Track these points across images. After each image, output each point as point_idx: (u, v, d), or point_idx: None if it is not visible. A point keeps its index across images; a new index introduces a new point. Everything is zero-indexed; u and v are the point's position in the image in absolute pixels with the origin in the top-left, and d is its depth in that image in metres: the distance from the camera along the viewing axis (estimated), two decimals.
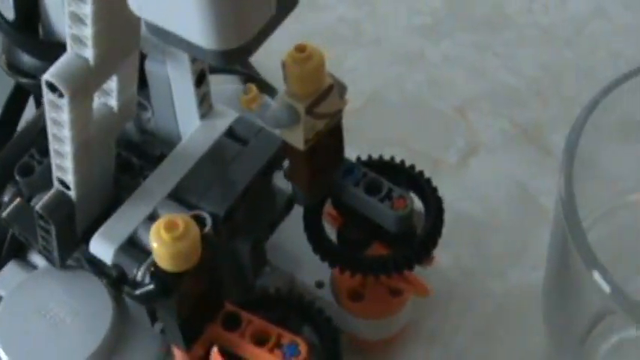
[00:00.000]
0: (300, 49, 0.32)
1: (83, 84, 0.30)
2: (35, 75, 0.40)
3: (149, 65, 0.37)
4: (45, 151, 0.37)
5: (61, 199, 0.36)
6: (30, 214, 0.37)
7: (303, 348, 0.34)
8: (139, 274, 0.34)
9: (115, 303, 0.38)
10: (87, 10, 0.28)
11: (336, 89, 0.34)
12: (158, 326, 0.37)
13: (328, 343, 0.36)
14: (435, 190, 0.38)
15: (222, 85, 0.47)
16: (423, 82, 0.52)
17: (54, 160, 0.35)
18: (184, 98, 0.37)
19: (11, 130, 0.43)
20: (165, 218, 0.30)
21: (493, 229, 0.46)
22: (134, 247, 0.35)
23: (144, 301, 0.33)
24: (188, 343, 0.34)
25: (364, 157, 0.39)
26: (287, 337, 0.34)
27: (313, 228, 0.38)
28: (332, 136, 0.36)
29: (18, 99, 0.43)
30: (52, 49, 0.36)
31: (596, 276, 0.30)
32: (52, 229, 0.36)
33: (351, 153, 0.38)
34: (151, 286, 0.32)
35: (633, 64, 0.51)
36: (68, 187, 0.35)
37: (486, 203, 0.47)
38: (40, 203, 0.36)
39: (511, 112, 0.51)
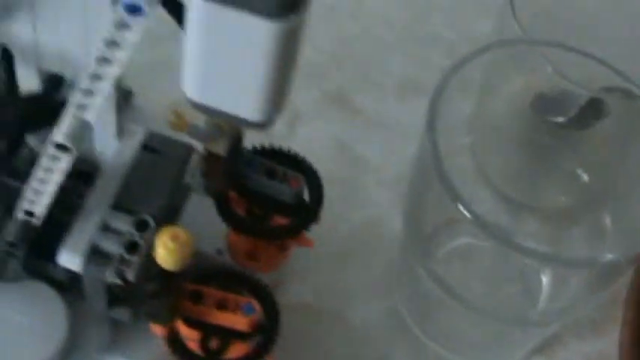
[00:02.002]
0: None
1: (85, 140, 0.38)
2: None
3: None
4: None
5: (28, 226, 0.43)
6: None
7: (256, 306, 0.44)
8: (109, 275, 0.42)
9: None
10: (106, 88, 0.35)
11: None
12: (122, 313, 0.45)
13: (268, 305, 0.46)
14: (315, 171, 0.49)
15: None
16: None
17: (27, 197, 0.42)
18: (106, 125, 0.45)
19: None
20: (169, 230, 0.39)
21: (328, 181, 0.56)
22: (96, 255, 0.43)
23: (147, 296, 0.41)
24: (169, 320, 0.43)
25: None
26: (243, 300, 0.44)
27: (226, 209, 0.47)
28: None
29: None
30: None
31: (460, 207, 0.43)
32: (21, 251, 0.44)
33: None
34: (157, 285, 0.40)
35: (407, 27, 0.64)
36: (33, 215, 0.43)
37: (318, 161, 0.57)
38: (9, 234, 0.43)
39: (319, 83, 0.61)
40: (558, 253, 0.53)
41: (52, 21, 0.41)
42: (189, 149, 0.46)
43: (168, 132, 0.46)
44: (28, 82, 0.44)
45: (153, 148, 0.46)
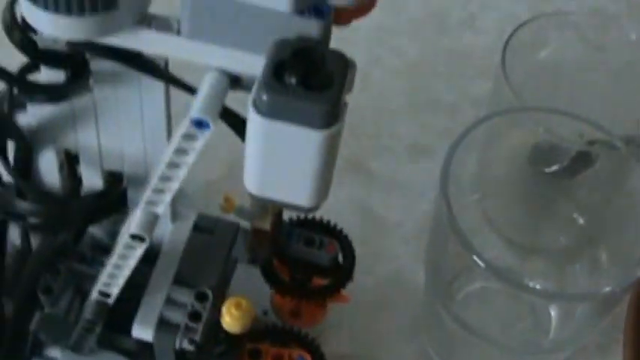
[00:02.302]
0: None
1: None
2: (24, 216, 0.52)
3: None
4: (56, 272, 0.51)
5: (103, 306, 0.50)
6: (56, 322, 0.51)
7: (307, 357, 0.50)
8: (179, 342, 0.49)
9: None
10: (175, 186, 0.42)
11: None
12: None
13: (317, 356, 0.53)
14: (346, 235, 0.55)
15: None
16: None
17: (103, 280, 0.48)
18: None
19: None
20: (233, 300, 0.46)
21: (355, 241, 0.59)
22: (164, 325, 0.50)
23: (216, 357, 0.48)
24: None
25: None
26: (295, 353, 0.51)
27: (271, 275, 0.54)
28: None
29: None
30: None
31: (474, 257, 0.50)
32: (98, 327, 0.50)
33: None
34: (224, 347, 0.47)
35: (414, 96, 0.71)
36: (108, 296, 0.49)
37: (344, 224, 0.63)
38: (88, 314, 0.50)
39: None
40: (562, 290, 0.60)
41: (113, 127, 0.48)
42: (235, 227, 0.53)
43: (212, 210, 0.53)
44: (91, 179, 0.51)
45: (204, 228, 0.53)
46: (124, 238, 0.45)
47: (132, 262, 0.46)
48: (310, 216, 0.56)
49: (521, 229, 0.63)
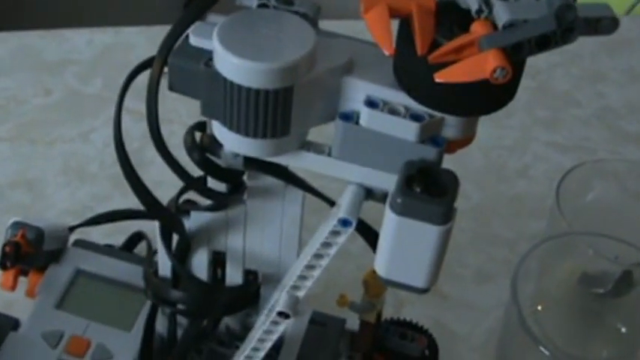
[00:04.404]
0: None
1: None
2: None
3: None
4: (200, 352, 0.63)
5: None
6: None
7: None
8: None
9: None
10: (316, 274, 0.55)
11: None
12: None
13: None
14: (430, 333, 0.68)
15: None
16: None
17: (246, 353, 0.60)
18: None
19: None
20: None
21: None
22: None
23: None
24: None
25: None
26: None
27: None
28: None
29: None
30: None
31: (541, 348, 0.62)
32: None
33: None
34: None
35: (475, 231, 0.84)
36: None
37: None
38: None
39: None
40: None
41: (258, 233, 0.59)
42: (342, 322, 0.65)
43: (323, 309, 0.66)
44: (233, 276, 0.63)
45: (318, 322, 0.66)
46: (270, 316, 0.57)
47: (274, 337, 0.58)
48: (403, 318, 0.68)
49: (571, 340, 0.74)
